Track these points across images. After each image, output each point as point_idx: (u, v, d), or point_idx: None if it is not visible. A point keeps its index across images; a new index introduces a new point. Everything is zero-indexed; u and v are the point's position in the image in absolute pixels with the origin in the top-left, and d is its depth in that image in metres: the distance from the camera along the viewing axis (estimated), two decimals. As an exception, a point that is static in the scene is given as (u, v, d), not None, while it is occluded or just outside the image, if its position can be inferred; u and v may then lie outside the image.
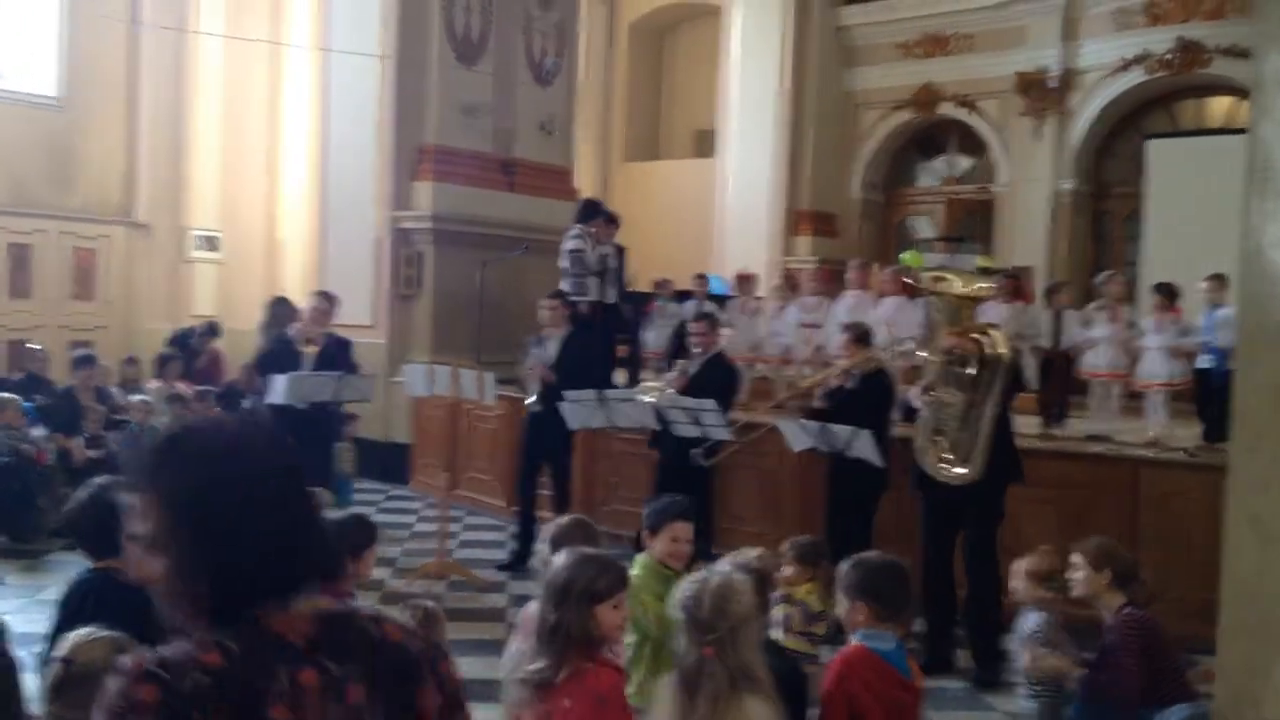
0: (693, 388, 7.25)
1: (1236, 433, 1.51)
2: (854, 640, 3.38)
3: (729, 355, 9.01)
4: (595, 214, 10.00)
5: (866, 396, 6.72)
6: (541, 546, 3.73)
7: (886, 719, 3.18)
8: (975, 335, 5.50)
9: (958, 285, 5.67)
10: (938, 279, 5.81)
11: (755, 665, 2.85)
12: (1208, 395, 8.15)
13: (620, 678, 3.07)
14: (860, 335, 7.05)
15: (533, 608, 3.57)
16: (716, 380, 7.38)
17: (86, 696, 2.42)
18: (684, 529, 4.34)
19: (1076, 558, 4.39)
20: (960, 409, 5.53)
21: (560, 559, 3.13)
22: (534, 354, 8.03)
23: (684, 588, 2.93)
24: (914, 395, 5.82)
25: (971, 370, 5.49)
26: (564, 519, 3.96)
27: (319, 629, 1.51)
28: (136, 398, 9.30)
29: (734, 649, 2.80)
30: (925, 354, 5.96)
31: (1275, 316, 1.45)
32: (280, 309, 10.38)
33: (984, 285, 5.77)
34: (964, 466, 5.58)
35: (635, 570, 4.08)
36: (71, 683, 2.44)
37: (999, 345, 5.46)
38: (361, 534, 3.95)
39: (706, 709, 2.73)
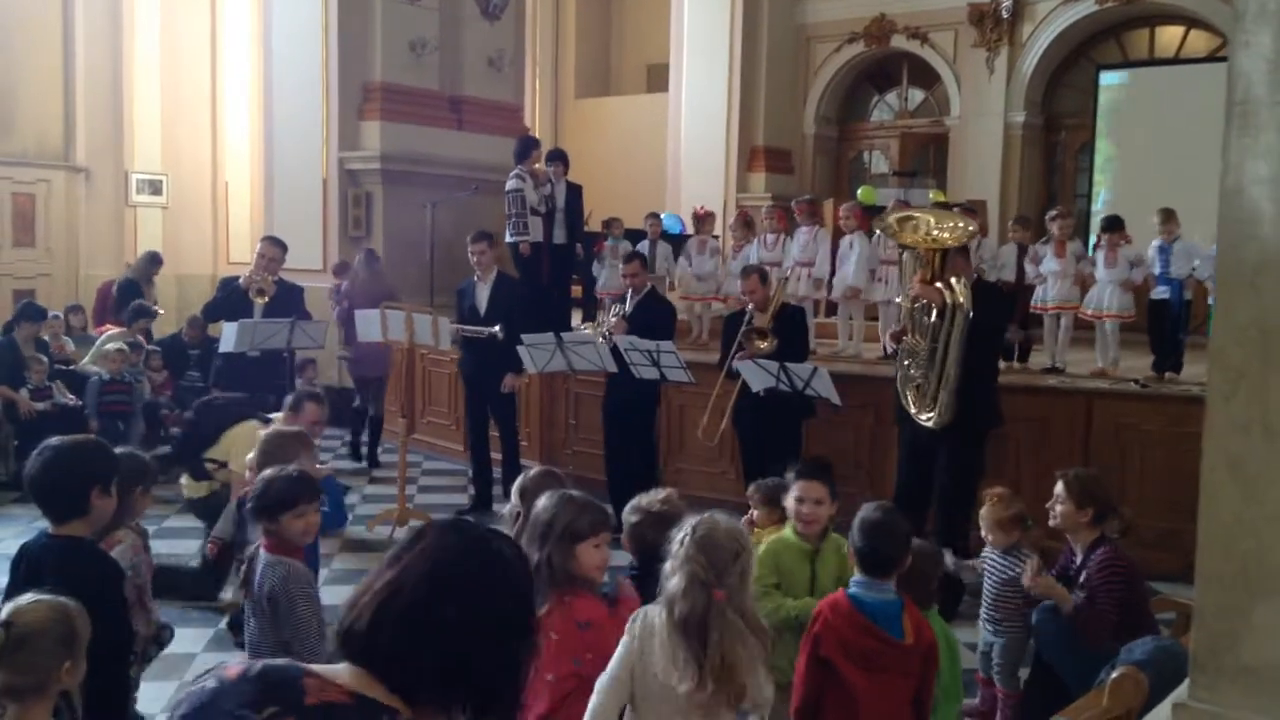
0: (630, 328, 7.32)
1: (1214, 375, 1.49)
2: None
3: (669, 293, 9.12)
4: (529, 150, 9.82)
5: (786, 332, 6.84)
6: (514, 498, 3.69)
7: (859, 670, 3.15)
8: (939, 285, 5.51)
9: (926, 227, 5.65)
10: (904, 220, 5.79)
11: (757, 612, 2.84)
12: (1162, 326, 8.22)
13: (600, 606, 3.10)
14: (765, 274, 7.27)
15: None
16: (653, 317, 7.46)
17: (32, 660, 2.36)
18: (808, 488, 4.07)
19: (1059, 488, 4.41)
20: (925, 354, 5.56)
21: (543, 500, 3.16)
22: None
23: (694, 527, 2.82)
24: (888, 340, 5.86)
25: (935, 318, 5.51)
26: (533, 470, 3.89)
27: None
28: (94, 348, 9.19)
29: (742, 594, 2.77)
30: (899, 300, 5.99)
31: (1254, 254, 1.41)
32: (374, 263, 10.16)
33: (956, 227, 5.73)
34: (930, 411, 5.62)
35: (760, 552, 3.78)
36: (13, 647, 2.36)
37: (960, 296, 5.46)
38: (290, 491, 3.58)
39: (717, 653, 2.68)
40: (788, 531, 4.10)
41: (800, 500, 4.04)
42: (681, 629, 2.70)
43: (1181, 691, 1.55)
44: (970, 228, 5.92)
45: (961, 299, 5.44)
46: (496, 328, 7.49)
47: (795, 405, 6.64)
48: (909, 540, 3.42)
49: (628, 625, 2.86)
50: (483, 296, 7.98)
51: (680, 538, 2.83)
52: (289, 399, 6.06)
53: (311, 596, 3.50)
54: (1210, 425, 1.45)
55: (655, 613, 2.83)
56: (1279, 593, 1.40)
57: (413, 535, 1.60)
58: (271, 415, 6.29)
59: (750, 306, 7.03)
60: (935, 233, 5.57)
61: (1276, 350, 1.39)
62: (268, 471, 3.70)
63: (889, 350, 5.86)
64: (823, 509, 4.03)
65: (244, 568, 3.69)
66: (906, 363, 5.74)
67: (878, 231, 9.05)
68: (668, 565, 2.82)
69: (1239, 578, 1.42)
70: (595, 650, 2.96)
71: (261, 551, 3.56)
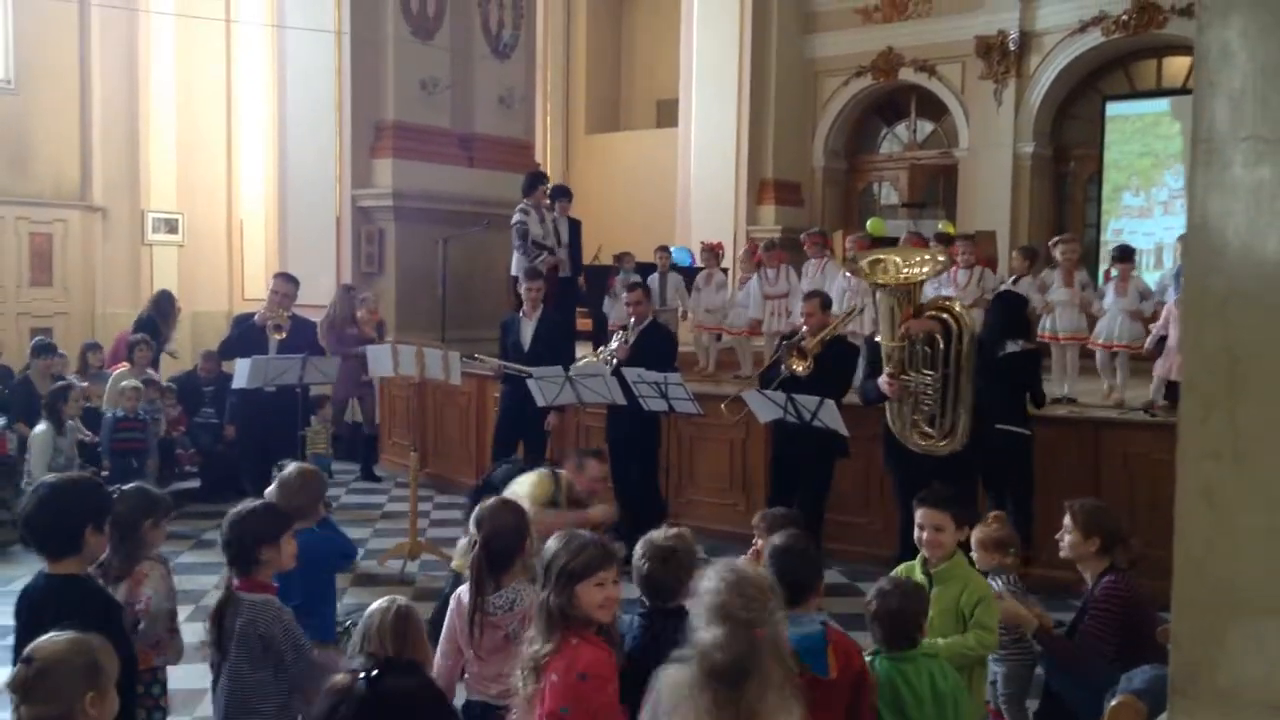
0: (633, 356, 7.40)
1: (1185, 402, 1.52)
2: None
3: (682, 323, 9.14)
4: (535, 185, 9.95)
5: (831, 364, 6.80)
6: (470, 526, 3.69)
7: None
8: (933, 313, 5.50)
9: (897, 268, 5.63)
10: (875, 263, 5.75)
11: (787, 649, 2.67)
12: (1175, 355, 8.22)
13: (604, 654, 3.06)
14: (826, 301, 7.24)
15: (465, 596, 3.58)
16: (656, 346, 7.55)
17: (53, 691, 2.40)
18: (927, 516, 4.10)
19: (1067, 519, 4.42)
20: (937, 386, 5.52)
21: (550, 541, 3.16)
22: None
23: (721, 575, 2.62)
24: (883, 382, 5.80)
25: (940, 347, 5.49)
26: (490, 500, 3.88)
27: None
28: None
29: (780, 640, 2.61)
30: (880, 340, 5.92)
31: (1220, 286, 1.46)
32: (346, 297, 10.39)
33: (925, 260, 5.75)
34: (947, 439, 5.58)
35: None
36: (35, 679, 2.41)
37: (962, 317, 5.46)
38: (271, 522, 3.71)
39: (756, 696, 2.44)
40: (917, 559, 4.16)
41: (920, 528, 4.12)
42: (718, 678, 2.45)
43: (1162, 718, 1.58)
44: (941, 258, 5.97)
45: (966, 320, 5.43)
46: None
47: (831, 444, 6.60)
48: (819, 565, 3.43)
49: (648, 696, 2.60)
50: (527, 333, 8.08)
51: (709, 588, 2.62)
52: (575, 458, 5.65)
53: (299, 628, 3.57)
54: (1182, 452, 1.49)
55: (676, 671, 2.55)
56: (1252, 616, 1.43)
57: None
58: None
59: (804, 329, 7.02)
60: (907, 271, 5.57)
61: (1244, 378, 1.43)
62: (234, 511, 3.71)
63: (885, 390, 5.74)
64: (944, 535, 4.09)
65: (219, 614, 3.59)
66: (910, 403, 5.69)
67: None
68: (697, 617, 2.59)
69: (1213, 602, 1.46)
70: (585, 703, 2.93)
71: (239, 593, 3.55)
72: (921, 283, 5.65)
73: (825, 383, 6.62)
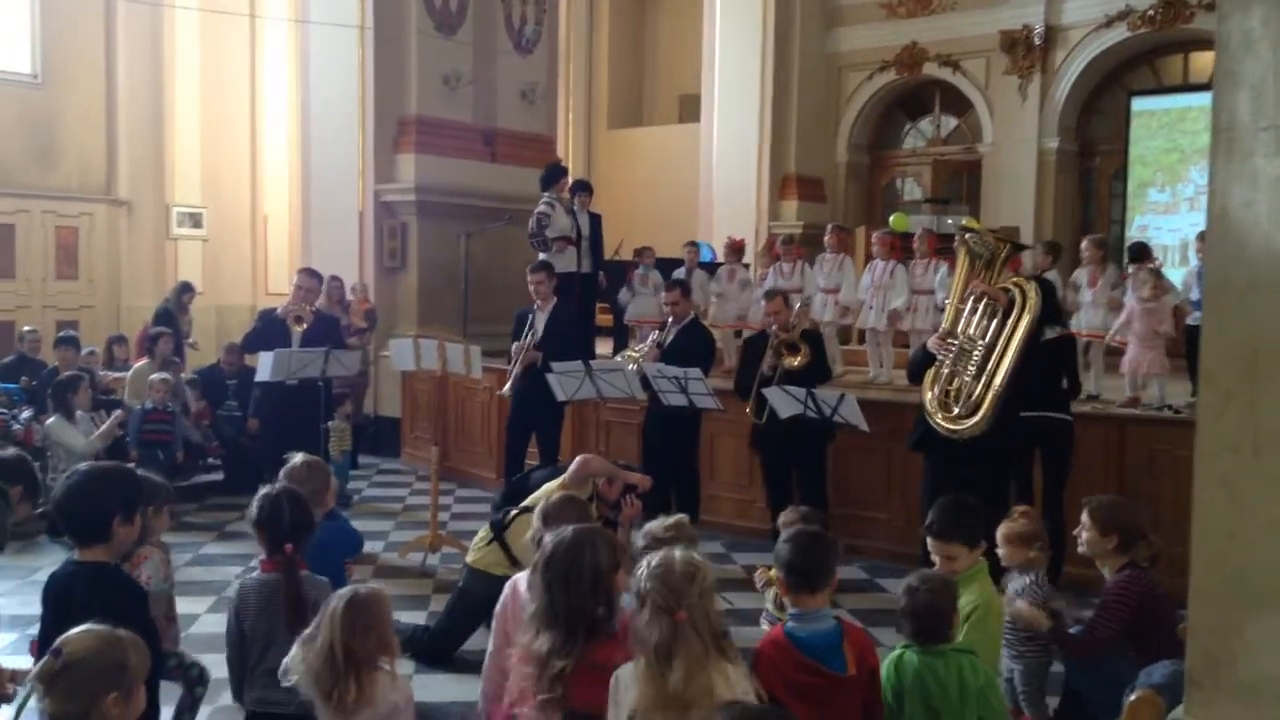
0: (671, 356, 7.36)
1: (1204, 394, 1.51)
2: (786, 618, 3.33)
3: (705, 322, 9.17)
4: (557, 177, 9.93)
5: (813, 351, 6.92)
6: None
7: (803, 704, 3.04)
8: (1006, 285, 5.46)
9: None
10: (969, 231, 5.89)
11: (725, 632, 2.84)
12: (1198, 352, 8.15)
13: (616, 649, 3.02)
14: (787, 298, 7.36)
15: (522, 583, 3.51)
16: (694, 347, 7.52)
17: (73, 687, 2.40)
18: (938, 548, 4.09)
19: (1085, 516, 4.40)
20: (980, 355, 5.45)
21: (556, 549, 3.04)
22: (517, 346, 8.00)
23: (649, 562, 2.86)
24: (932, 343, 5.75)
25: (997, 319, 5.44)
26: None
27: None
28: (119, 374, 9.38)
29: (705, 616, 2.79)
30: (951, 300, 5.92)
31: (1242, 278, 1.45)
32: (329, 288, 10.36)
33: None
34: (971, 417, 5.49)
35: None
36: (61, 674, 2.39)
37: (1030, 296, 5.39)
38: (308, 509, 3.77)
39: (682, 674, 2.69)
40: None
41: (931, 553, 4.11)
42: (656, 655, 2.74)
43: (1179, 710, 1.57)
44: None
45: (1031, 300, 5.36)
46: (505, 388, 7.58)
47: (817, 426, 6.64)
48: (832, 553, 3.37)
49: (610, 691, 2.85)
50: (540, 324, 8.08)
51: (639, 574, 2.85)
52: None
53: None
54: (1201, 444, 1.48)
55: (628, 667, 2.84)
56: (1271, 608, 1.42)
57: None
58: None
59: (774, 328, 7.07)
60: (997, 242, 5.65)
61: (1264, 370, 1.42)
62: (272, 500, 3.69)
63: (934, 351, 5.71)
64: (957, 564, 4.06)
65: (294, 595, 3.53)
66: (948, 367, 5.62)
67: (911, 261, 9.12)
68: (634, 602, 2.85)
69: (1231, 594, 1.45)
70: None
71: (302, 573, 3.57)
72: (1011, 251, 5.68)
73: (817, 369, 6.92)
